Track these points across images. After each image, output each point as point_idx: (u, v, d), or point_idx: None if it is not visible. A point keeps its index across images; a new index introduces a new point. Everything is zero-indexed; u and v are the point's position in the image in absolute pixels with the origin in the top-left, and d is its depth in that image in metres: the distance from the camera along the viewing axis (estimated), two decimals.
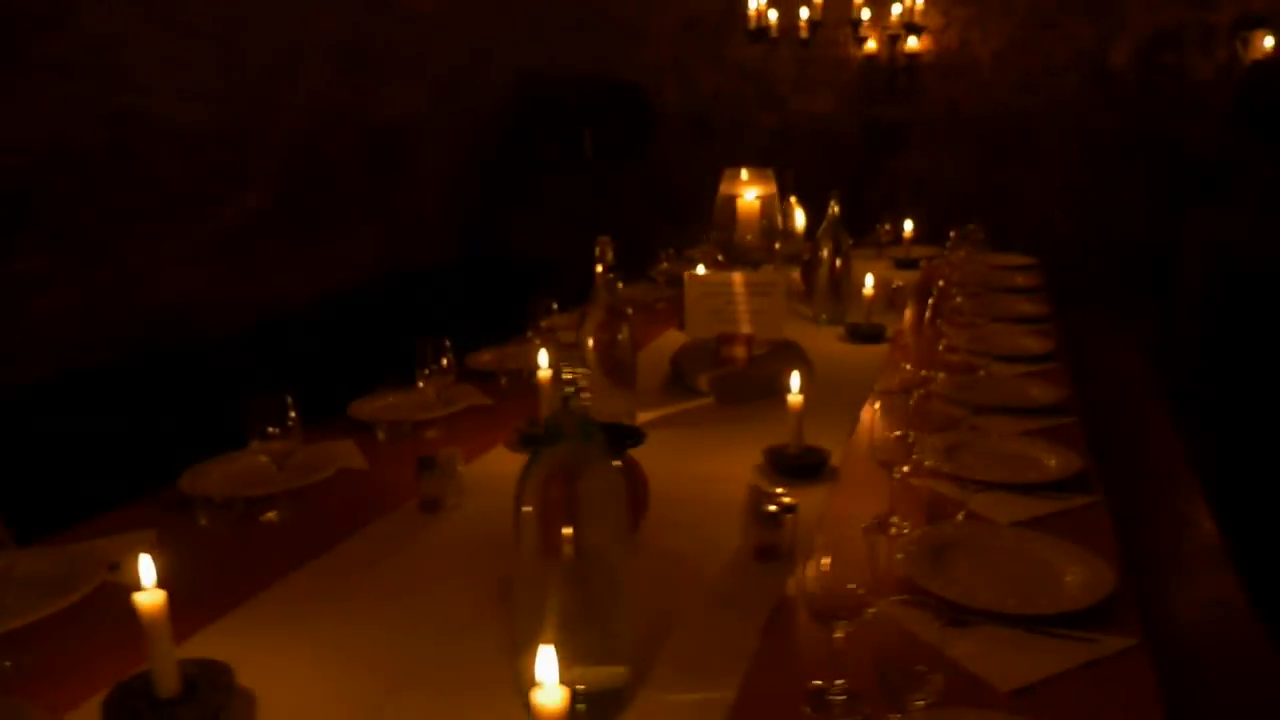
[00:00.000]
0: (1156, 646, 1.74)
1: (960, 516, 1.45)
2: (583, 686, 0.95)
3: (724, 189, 2.23)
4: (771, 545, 1.34)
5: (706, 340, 2.21)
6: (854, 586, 0.99)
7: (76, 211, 3.29)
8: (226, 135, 3.73)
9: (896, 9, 3.47)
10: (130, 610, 0.97)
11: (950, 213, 4.10)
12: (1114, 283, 4.67)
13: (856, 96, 5.01)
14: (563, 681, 0.96)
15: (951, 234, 3.59)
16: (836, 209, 2.83)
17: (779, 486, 1.61)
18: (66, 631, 1.18)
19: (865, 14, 3.80)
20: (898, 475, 1.44)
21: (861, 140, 5.09)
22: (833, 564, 1.01)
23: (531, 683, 0.78)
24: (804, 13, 3.57)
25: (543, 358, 1.82)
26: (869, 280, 2.66)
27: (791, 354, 2.27)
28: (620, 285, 2.79)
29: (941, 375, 2.24)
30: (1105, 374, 3.52)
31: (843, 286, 2.78)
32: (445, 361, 1.90)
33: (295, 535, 1.47)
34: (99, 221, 3.35)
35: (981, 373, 2.27)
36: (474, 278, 5.02)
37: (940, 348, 2.31)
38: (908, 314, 2.80)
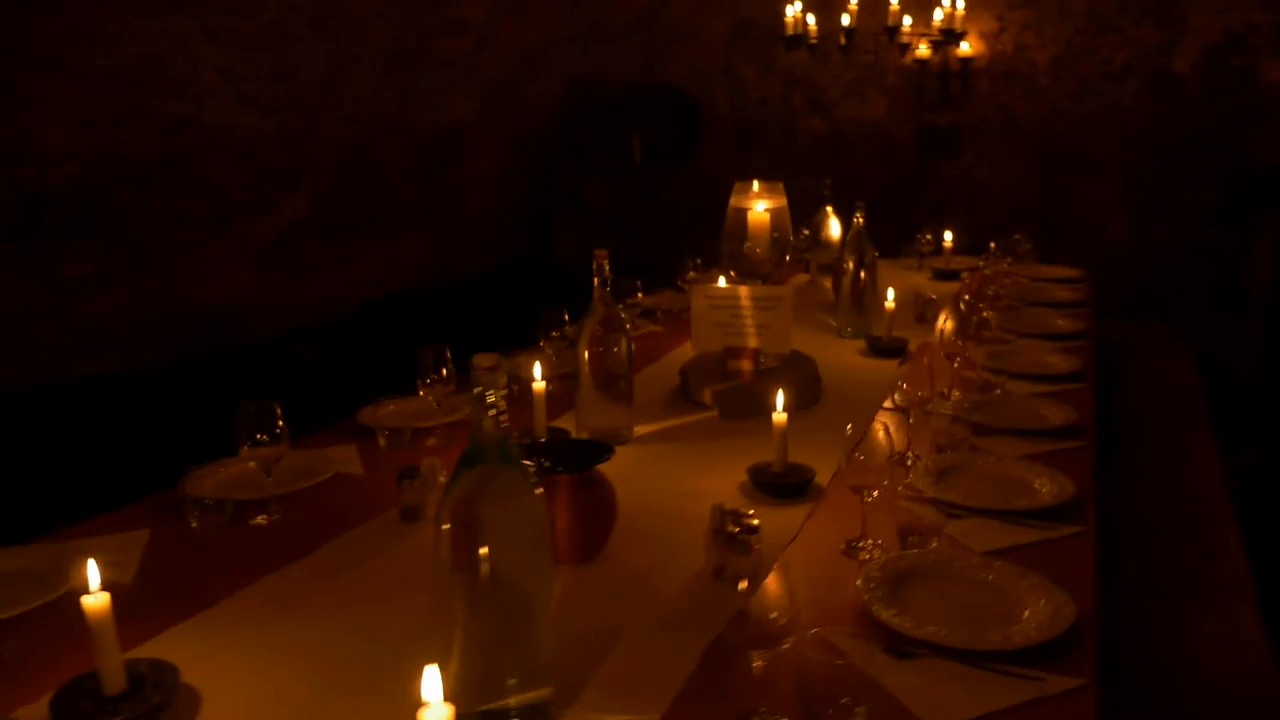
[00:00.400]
0: (1155, 686, 1.68)
1: (934, 543, 1.42)
2: (503, 706, 0.97)
3: (734, 201, 2.22)
4: (729, 566, 1.34)
5: (716, 353, 2.21)
6: (775, 615, 0.98)
7: (130, 216, 3.44)
8: (277, 142, 3.86)
9: (938, 15, 3.39)
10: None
11: (1004, 221, 4.01)
12: (1174, 295, 4.50)
13: (908, 102, 4.92)
14: (484, 701, 0.98)
15: (992, 245, 3.50)
16: (861, 220, 2.80)
17: (762, 505, 1.61)
18: (37, 628, 1.24)
19: (907, 20, 3.73)
20: (868, 499, 1.42)
21: (913, 147, 4.99)
22: (762, 590, 1.00)
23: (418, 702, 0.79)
24: (845, 19, 3.52)
25: (536, 370, 1.84)
26: (890, 294, 2.62)
27: (802, 368, 2.25)
28: (640, 295, 2.83)
29: (956, 393, 2.19)
30: (1151, 390, 3.40)
31: (867, 299, 2.74)
32: (445, 371, 1.94)
33: (279, 539, 1.51)
34: (152, 225, 3.50)
35: (998, 391, 2.21)
36: (520, 282, 5.09)
37: (955, 364, 2.27)
38: (938, 328, 2.75)
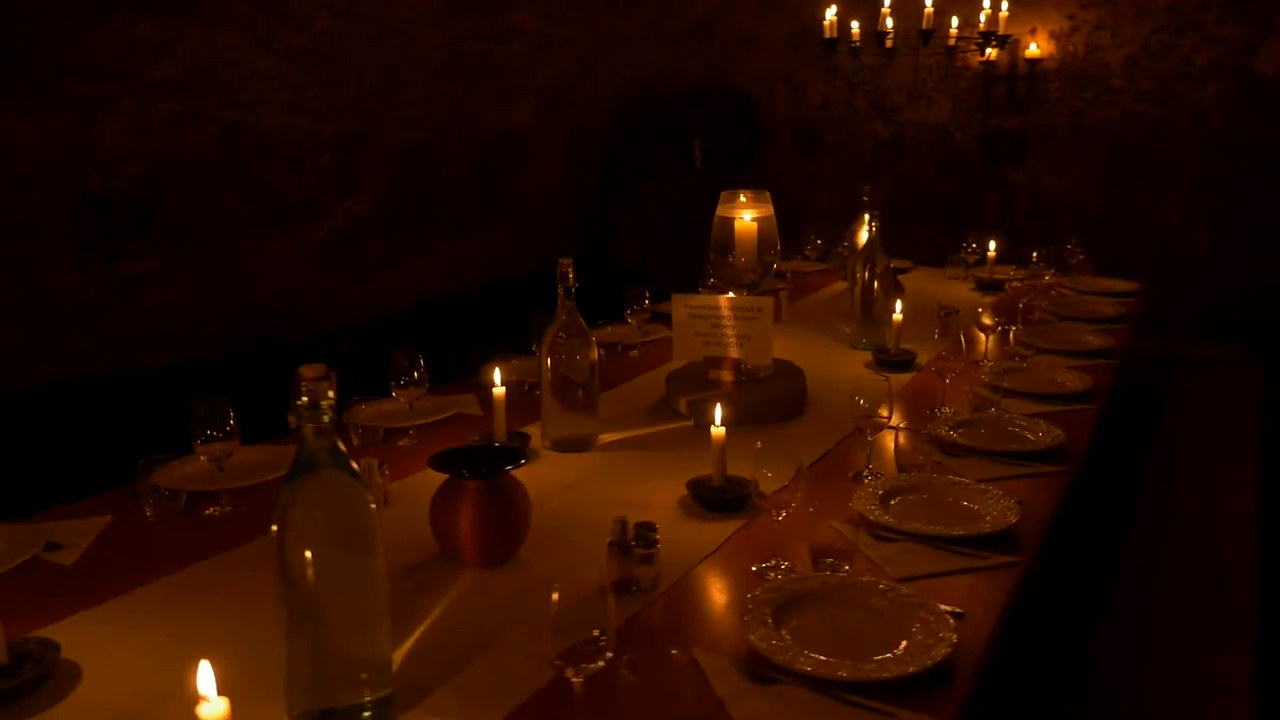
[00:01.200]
0: None
1: (846, 567, 1.38)
2: (332, 707, 1.00)
3: (721, 211, 2.20)
4: (627, 578, 1.34)
5: (701, 362, 2.20)
6: (597, 633, 0.98)
7: (191, 217, 3.64)
8: (332, 146, 4.01)
9: (983, 17, 3.27)
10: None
11: (1070, 229, 3.84)
12: (1251, 312, 4.21)
13: (974, 106, 4.76)
14: (317, 703, 1.01)
15: (1035, 255, 3.36)
16: (874, 227, 2.73)
17: (696, 519, 1.60)
18: None
19: (954, 22, 3.60)
20: (779, 517, 1.39)
21: (978, 152, 4.83)
22: (585, 604, 1.00)
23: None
24: (889, 22, 3.42)
25: (496, 375, 1.87)
26: (898, 306, 2.55)
27: (786, 380, 2.21)
28: (648, 301, 2.83)
29: (948, 410, 2.12)
30: (1203, 411, 3.20)
31: (878, 309, 2.67)
32: (417, 374, 1.99)
33: (226, 531, 1.58)
34: (211, 226, 3.69)
35: (992, 410, 2.13)
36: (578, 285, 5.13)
37: (946, 381, 2.19)
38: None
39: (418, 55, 4.14)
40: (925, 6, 3.36)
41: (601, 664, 0.98)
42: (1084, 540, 2.31)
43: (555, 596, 0.97)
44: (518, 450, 1.46)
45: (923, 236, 4.07)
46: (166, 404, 3.61)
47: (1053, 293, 3.19)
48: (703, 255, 2.32)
